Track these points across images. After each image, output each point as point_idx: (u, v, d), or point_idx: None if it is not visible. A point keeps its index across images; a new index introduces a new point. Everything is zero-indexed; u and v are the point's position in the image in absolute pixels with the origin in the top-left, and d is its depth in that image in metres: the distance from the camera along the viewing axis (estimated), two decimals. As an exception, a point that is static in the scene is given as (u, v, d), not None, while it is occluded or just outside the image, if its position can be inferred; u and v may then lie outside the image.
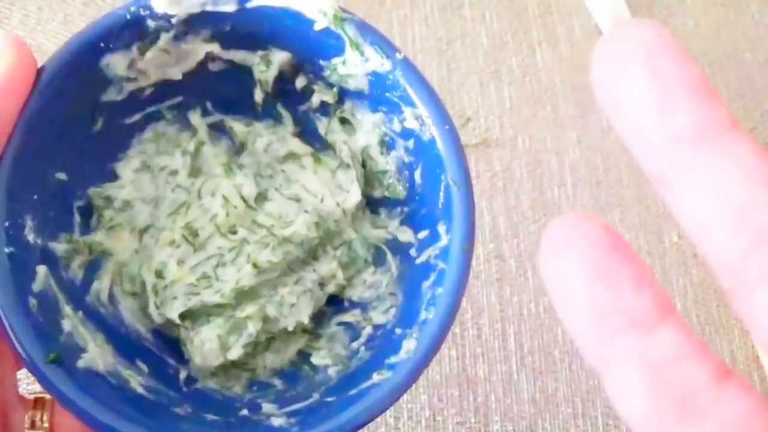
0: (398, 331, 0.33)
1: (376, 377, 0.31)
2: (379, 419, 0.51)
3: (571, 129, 0.61)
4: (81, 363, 0.30)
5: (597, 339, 0.20)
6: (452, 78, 0.62)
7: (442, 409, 0.52)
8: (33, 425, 0.32)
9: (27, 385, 0.46)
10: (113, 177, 0.35)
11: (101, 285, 0.34)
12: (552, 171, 0.60)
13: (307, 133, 0.37)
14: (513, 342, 0.54)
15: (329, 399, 0.32)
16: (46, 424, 0.32)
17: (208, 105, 0.36)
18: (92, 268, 0.34)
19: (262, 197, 0.35)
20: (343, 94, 0.35)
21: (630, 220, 0.59)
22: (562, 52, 0.64)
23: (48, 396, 0.32)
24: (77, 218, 0.33)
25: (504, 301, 0.56)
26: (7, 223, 0.30)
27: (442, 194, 0.32)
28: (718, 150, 0.19)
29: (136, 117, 0.35)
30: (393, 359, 0.31)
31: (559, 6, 0.65)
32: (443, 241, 0.32)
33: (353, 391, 0.31)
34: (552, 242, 0.20)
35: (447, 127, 0.32)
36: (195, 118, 0.36)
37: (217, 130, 0.36)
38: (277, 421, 0.31)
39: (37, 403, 0.33)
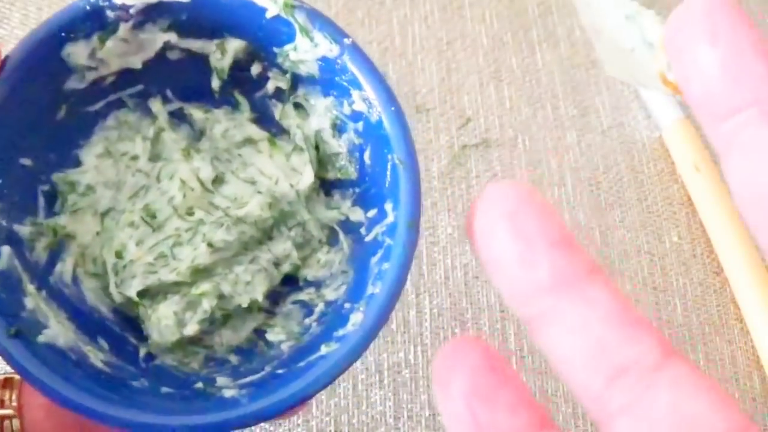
0: (347, 305, 0.34)
1: (324, 349, 0.32)
2: (379, 418, 0.51)
3: (571, 129, 0.61)
4: (42, 338, 0.31)
5: None
6: (452, 78, 0.62)
7: (443, 410, 0.52)
8: (2, 404, 0.33)
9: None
10: (77, 163, 0.36)
11: (65, 267, 0.35)
12: (552, 171, 0.60)
13: (263, 118, 0.38)
14: (513, 342, 0.54)
15: (280, 371, 0.33)
16: (14, 403, 0.33)
17: (168, 93, 0.37)
18: (56, 250, 0.35)
19: (219, 180, 0.36)
20: (296, 80, 0.36)
21: (630, 220, 0.59)
22: (562, 52, 0.64)
23: (16, 377, 0.34)
24: (42, 202, 0.35)
25: (504, 301, 0.56)
26: None
27: (389, 173, 0.33)
28: (575, 296, 0.21)
29: (99, 105, 0.36)
30: (341, 332, 0.32)
31: (559, 6, 0.66)
32: (390, 218, 0.33)
33: (302, 364, 0.32)
34: (440, 368, 0.21)
35: (393, 108, 0.33)
36: (155, 105, 0.37)
37: (177, 117, 0.38)
38: (229, 393, 0.32)
39: (6, 383, 0.34)
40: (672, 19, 0.22)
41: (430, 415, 0.52)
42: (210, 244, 0.35)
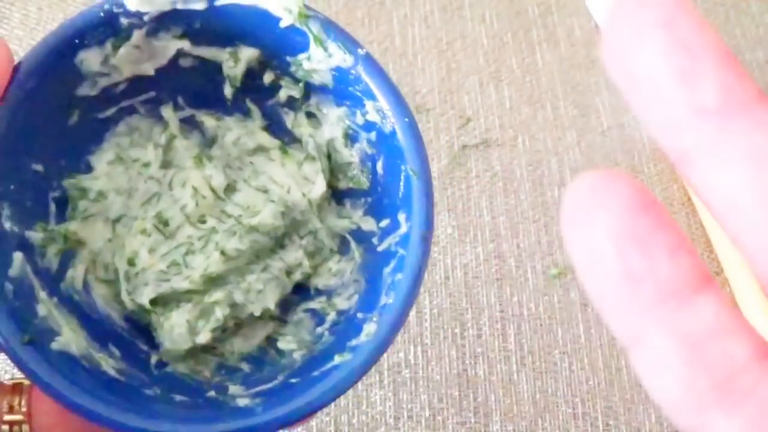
0: (360, 315, 0.34)
1: (337, 359, 0.32)
2: (379, 418, 0.52)
3: (571, 129, 0.61)
4: (55, 345, 0.31)
5: (629, 310, 0.18)
6: (452, 78, 0.62)
7: (442, 409, 0.52)
8: (11, 410, 0.33)
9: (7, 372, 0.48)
10: (88, 169, 0.36)
11: (76, 273, 0.35)
12: (552, 171, 0.60)
13: (275, 126, 0.38)
14: (513, 342, 0.55)
15: (293, 380, 0.33)
16: (24, 408, 0.33)
17: (180, 100, 0.37)
18: (67, 256, 0.35)
19: (230, 188, 0.36)
20: (309, 89, 0.36)
21: (630, 219, 0.59)
22: (562, 52, 0.64)
23: (26, 381, 0.33)
24: (53, 208, 0.35)
25: (504, 301, 0.56)
26: None
27: (402, 184, 0.33)
28: (748, 122, 0.18)
29: (110, 111, 0.36)
30: (354, 342, 0.32)
31: (559, 6, 0.66)
32: (403, 228, 0.33)
33: (316, 373, 0.32)
34: (577, 204, 0.18)
35: (407, 119, 0.33)
36: (167, 112, 0.37)
37: (189, 124, 0.38)
38: (242, 402, 0.32)
39: (15, 388, 0.34)
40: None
41: (430, 415, 0.52)
42: (223, 252, 0.35)
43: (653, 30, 0.17)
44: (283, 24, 0.33)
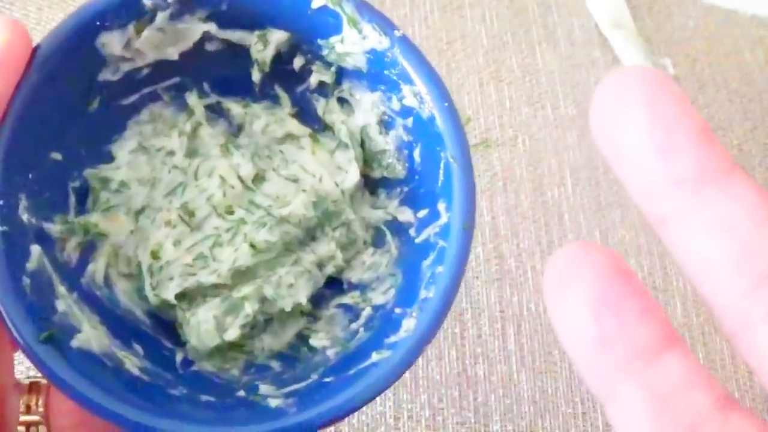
0: (398, 310, 0.32)
1: (375, 356, 0.30)
2: (379, 418, 0.51)
3: (571, 129, 0.61)
4: (75, 343, 0.30)
5: (602, 368, 0.20)
6: (452, 78, 0.62)
7: (442, 409, 0.52)
8: (28, 410, 0.32)
9: (26, 369, 0.46)
10: (109, 158, 0.35)
11: (97, 267, 0.33)
12: (552, 171, 0.60)
13: (305, 113, 0.36)
14: (513, 342, 0.54)
15: (328, 379, 0.31)
16: (41, 409, 0.32)
17: (205, 86, 0.36)
18: (88, 249, 0.33)
19: (259, 178, 0.35)
20: (341, 74, 0.35)
21: (630, 220, 0.59)
22: (562, 52, 0.64)
23: (43, 380, 0.32)
24: (73, 199, 0.33)
25: (504, 301, 0.55)
26: (1, 202, 0.29)
27: (441, 172, 0.32)
28: (720, 191, 0.19)
29: (133, 98, 0.35)
30: (392, 338, 0.31)
31: (559, 6, 0.66)
32: (443, 219, 0.32)
33: (352, 371, 0.31)
34: (556, 274, 0.20)
35: (446, 104, 0.31)
36: (192, 99, 0.36)
37: (215, 111, 0.36)
38: (274, 402, 0.31)
39: (32, 387, 0.32)
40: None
41: (430, 415, 0.51)
42: (252, 245, 0.33)
43: (636, 108, 0.19)
44: (314, 5, 0.32)
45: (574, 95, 0.62)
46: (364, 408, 0.50)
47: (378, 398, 0.51)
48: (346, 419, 0.50)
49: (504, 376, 0.53)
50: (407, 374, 0.52)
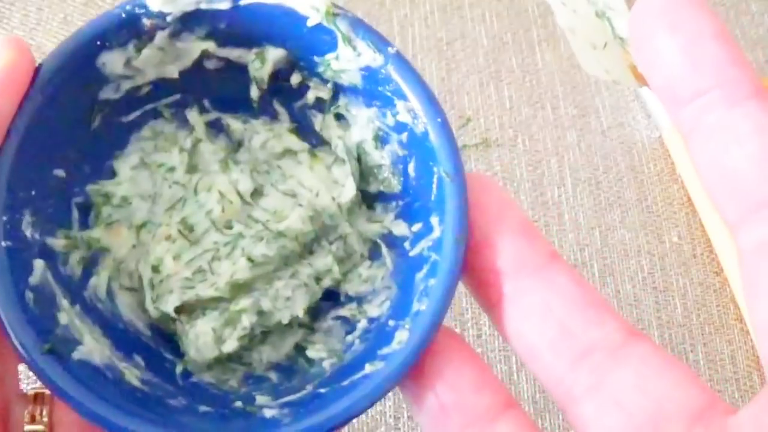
0: (391, 323, 0.33)
1: (368, 368, 0.31)
2: (379, 418, 0.51)
3: (571, 129, 0.61)
4: (76, 355, 0.30)
5: None
6: (452, 78, 0.62)
7: (443, 409, 0.52)
8: (33, 420, 0.32)
9: (29, 383, 0.47)
10: (111, 174, 0.35)
11: (99, 281, 0.34)
12: (552, 171, 0.60)
13: (303, 129, 0.37)
14: (513, 342, 0.55)
15: (322, 390, 0.32)
16: (45, 419, 0.33)
17: (206, 103, 0.36)
18: (90, 263, 0.34)
19: (258, 193, 0.35)
20: (337, 90, 0.35)
21: (630, 220, 0.59)
22: (562, 52, 0.64)
23: (47, 392, 0.33)
24: (75, 214, 0.34)
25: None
26: (5, 218, 0.30)
27: (434, 186, 0.32)
28: (539, 280, 0.22)
29: (134, 115, 0.35)
30: (385, 350, 0.31)
31: (559, 6, 0.66)
32: (436, 232, 0.32)
33: (345, 382, 0.31)
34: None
35: (439, 119, 0.32)
36: (192, 116, 0.36)
37: (215, 127, 0.37)
38: (269, 413, 0.31)
39: (37, 398, 0.33)
40: (634, 11, 0.22)
41: (429, 414, 0.52)
42: (250, 259, 0.34)
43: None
44: (310, 23, 0.33)
45: (574, 95, 0.62)
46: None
47: (378, 398, 0.51)
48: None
49: (504, 376, 0.53)
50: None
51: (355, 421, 0.51)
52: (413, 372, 0.23)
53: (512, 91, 0.62)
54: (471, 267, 0.22)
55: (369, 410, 0.51)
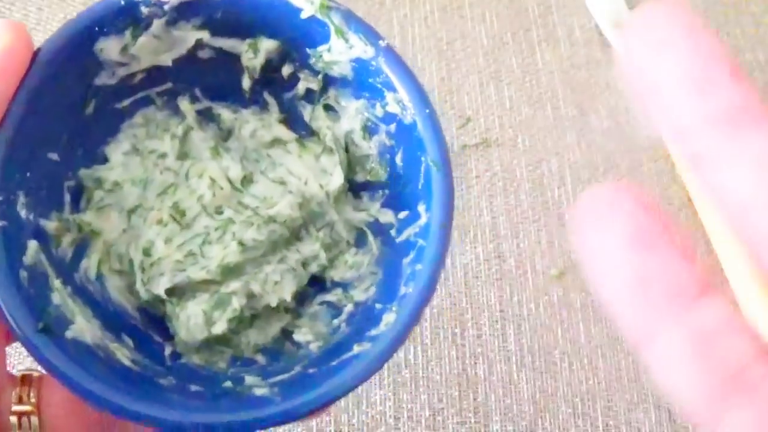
0: (378, 306, 0.34)
1: (356, 348, 0.32)
2: (379, 418, 0.51)
3: (571, 129, 0.61)
4: (69, 334, 0.31)
5: (640, 309, 0.19)
6: (452, 78, 0.62)
7: (442, 409, 0.52)
8: (20, 400, 0.33)
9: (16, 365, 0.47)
10: (103, 159, 0.36)
11: (89, 263, 0.34)
12: (552, 171, 0.60)
13: (292, 119, 0.38)
14: (513, 342, 0.55)
15: (311, 370, 0.33)
16: (33, 400, 0.33)
17: (197, 92, 0.37)
18: (81, 246, 0.35)
19: (248, 180, 0.36)
20: (327, 81, 0.36)
21: (630, 219, 0.59)
22: (562, 52, 0.64)
23: (35, 373, 0.33)
24: (68, 198, 0.34)
25: (504, 301, 0.56)
26: (0, 198, 0.31)
27: (422, 175, 0.33)
28: (760, 130, 0.19)
29: (127, 102, 0.36)
30: (373, 332, 0.32)
31: (559, 6, 0.66)
32: (423, 219, 0.33)
33: (334, 362, 0.32)
34: (587, 212, 0.19)
35: (427, 110, 0.33)
36: (184, 104, 0.37)
37: (205, 116, 0.37)
38: (260, 391, 0.32)
39: (25, 380, 0.33)
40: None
41: (430, 415, 0.52)
42: (240, 243, 0.35)
43: (675, 39, 0.19)
44: (304, 15, 0.34)
45: (574, 95, 0.63)
46: (364, 408, 0.51)
47: (378, 398, 0.51)
48: (345, 419, 0.51)
49: (504, 376, 0.53)
50: (407, 374, 0.52)
51: (355, 420, 0.51)
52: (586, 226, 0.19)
53: (512, 91, 0.63)
54: (678, 108, 0.19)
55: (369, 410, 0.51)
